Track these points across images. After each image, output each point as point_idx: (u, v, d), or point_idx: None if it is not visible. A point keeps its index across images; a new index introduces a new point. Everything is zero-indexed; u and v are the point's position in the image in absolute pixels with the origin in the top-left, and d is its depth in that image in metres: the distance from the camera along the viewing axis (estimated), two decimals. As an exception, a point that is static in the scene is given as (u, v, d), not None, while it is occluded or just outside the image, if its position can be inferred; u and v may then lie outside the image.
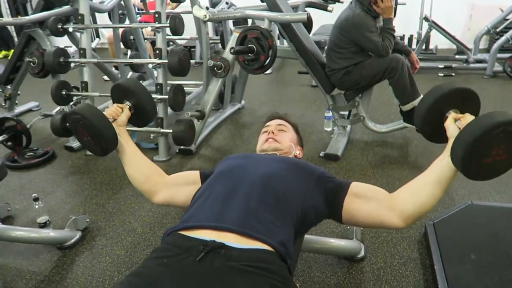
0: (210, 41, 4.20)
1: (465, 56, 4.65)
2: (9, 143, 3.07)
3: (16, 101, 3.94)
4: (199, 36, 3.12)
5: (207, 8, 2.82)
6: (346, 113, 3.03)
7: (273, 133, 1.49)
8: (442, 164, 1.08)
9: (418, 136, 2.96)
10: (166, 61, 2.59)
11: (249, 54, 2.44)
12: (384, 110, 3.52)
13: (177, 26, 2.59)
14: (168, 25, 2.59)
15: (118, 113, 1.40)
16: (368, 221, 1.18)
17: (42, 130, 3.45)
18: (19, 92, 3.85)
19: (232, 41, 2.68)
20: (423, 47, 5.43)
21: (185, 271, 0.85)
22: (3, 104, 3.84)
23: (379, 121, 3.18)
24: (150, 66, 2.69)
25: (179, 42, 6.03)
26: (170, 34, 2.78)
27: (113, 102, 1.47)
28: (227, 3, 3.25)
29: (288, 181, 1.13)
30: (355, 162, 2.71)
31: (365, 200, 1.18)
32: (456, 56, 4.89)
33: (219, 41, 3.54)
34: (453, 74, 4.56)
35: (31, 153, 2.99)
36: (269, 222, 0.99)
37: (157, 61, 2.64)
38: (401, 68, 2.56)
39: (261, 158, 1.28)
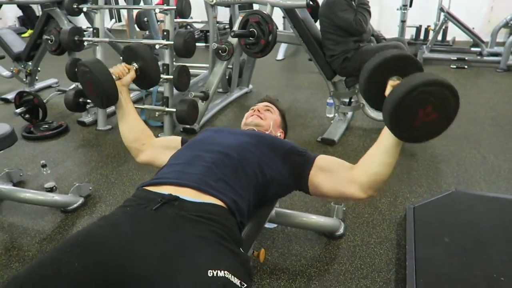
0: (222, 25, 4.29)
1: (479, 49, 4.58)
2: (26, 116, 3.27)
3: (36, 77, 4.14)
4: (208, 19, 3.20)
5: (214, -8, 2.91)
6: (347, 100, 3.08)
7: (258, 111, 1.59)
8: (386, 132, 1.13)
9: (418, 126, 3.00)
10: (172, 42, 2.70)
11: (250, 38, 2.52)
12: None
13: (183, 9, 2.69)
14: (175, 7, 2.69)
15: (124, 73, 1.47)
16: (331, 192, 1.26)
17: (58, 105, 3.63)
18: (39, 68, 4.04)
19: (236, 25, 2.77)
20: (439, 38, 5.37)
21: (142, 217, 0.99)
22: (24, 79, 4.05)
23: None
24: (157, 47, 2.79)
25: (196, 26, 6.18)
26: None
27: (123, 62, 1.55)
28: (236, -13, 3.31)
29: (249, 153, 1.22)
30: (351, 147, 2.77)
31: (328, 173, 1.26)
32: (472, 49, 4.81)
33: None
34: (466, 66, 4.51)
35: (46, 126, 3.18)
36: (224, 183, 1.11)
37: (164, 42, 2.76)
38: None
39: (232, 132, 1.38)
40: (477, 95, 3.69)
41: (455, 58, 4.57)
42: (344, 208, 1.98)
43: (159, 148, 1.47)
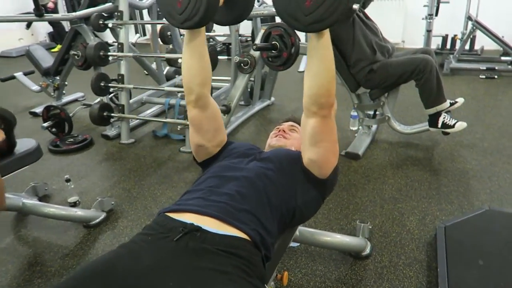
0: (244, 38, 4.30)
1: (510, 58, 4.41)
2: (53, 129, 3.34)
3: (64, 91, 4.24)
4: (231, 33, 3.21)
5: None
6: (372, 112, 3.00)
7: (284, 131, 1.54)
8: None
9: (446, 139, 2.90)
10: (194, 56, 2.70)
11: (272, 51, 2.49)
12: (414, 111, 3.44)
13: (206, 23, 2.69)
14: (197, 22, 2.70)
15: None
16: (314, 149, 1.15)
17: (84, 118, 3.70)
18: (66, 83, 4.15)
19: (258, 38, 2.75)
20: (467, 47, 5.22)
21: (163, 248, 0.94)
22: (52, 93, 4.15)
23: (408, 122, 3.12)
24: (179, 61, 2.80)
25: (219, 39, 6.23)
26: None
27: None
28: (258, 0, 3.31)
29: (273, 183, 1.16)
30: (376, 162, 2.69)
31: (302, 140, 1.20)
32: (502, 58, 4.64)
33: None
34: (496, 76, 4.35)
35: (72, 139, 3.24)
36: (249, 213, 1.05)
37: (186, 56, 2.77)
38: (430, 71, 2.50)
39: (253, 154, 1.32)
40: (508, 106, 3.54)
41: (484, 68, 4.42)
42: (370, 227, 1.91)
43: (213, 123, 1.29)
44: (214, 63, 2.75)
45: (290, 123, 1.59)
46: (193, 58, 1.20)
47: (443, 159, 2.67)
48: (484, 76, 4.38)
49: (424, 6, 4.79)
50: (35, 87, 4.15)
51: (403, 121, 3.11)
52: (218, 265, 0.90)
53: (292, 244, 1.87)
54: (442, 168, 2.55)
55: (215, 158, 1.33)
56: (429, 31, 4.74)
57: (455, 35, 5.43)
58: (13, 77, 4.09)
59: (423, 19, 4.79)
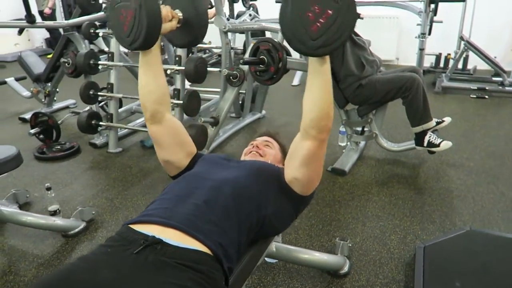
0: (239, 50, 4.32)
1: (501, 79, 4.45)
2: (41, 136, 3.32)
3: (55, 98, 4.23)
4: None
5: (227, 19, 2.93)
6: (360, 129, 3.01)
7: (257, 147, 1.54)
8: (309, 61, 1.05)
9: (433, 158, 2.89)
10: (183, 67, 2.71)
11: (260, 65, 2.51)
12: (403, 129, 3.44)
13: (195, 35, 2.70)
14: (187, 34, 2.71)
15: (167, 19, 1.21)
16: (304, 170, 1.16)
17: (72, 126, 3.66)
18: (57, 90, 4.14)
19: (248, 52, 2.76)
20: (460, 66, 5.27)
21: (122, 261, 0.93)
22: (43, 100, 4.14)
23: (397, 139, 3.13)
24: (168, 72, 2.81)
25: (215, 51, 6.26)
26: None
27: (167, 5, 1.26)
28: (250, 14, 3.34)
29: (243, 190, 1.16)
30: (362, 178, 2.68)
31: (290, 159, 1.20)
32: (493, 78, 4.68)
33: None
34: (487, 96, 4.38)
35: (59, 147, 3.22)
36: (214, 225, 1.04)
37: (175, 67, 2.78)
38: (416, 89, 2.51)
39: (226, 163, 1.33)
40: (497, 127, 3.55)
41: (475, 88, 4.45)
42: (350, 245, 1.89)
43: (175, 138, 1.30)
44: (203, 75, 2.76)
45: (265, 137, 1.59)
46: (146, 76, 1.23)
47: (429, 177, 2.67)
48: (475, 96, 4.41)
49: (417, 25, 4.85)
50: (26, 93, 4.15)
51: (392, 139, 3.12)
52: (175, 279, 0.89)
53: (270, 260, 1.85)
54: (427, 186, 2.54)
55: (187, 170, 1.33)
56: (421, 49, 4.77)
57: (448, 54, 5.49)
58: (4, 82, 4.09)
59: (416, 37, 4.84)
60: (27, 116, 3.90)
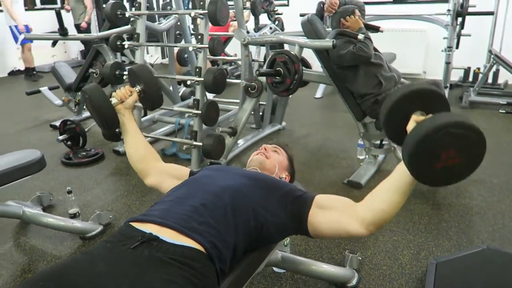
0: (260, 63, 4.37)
1: (532, 94, 4.29)
2: (68, 142, 3.48)
3: (84, 107, 4.42)
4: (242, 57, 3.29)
5: (247, 32, 3.00)
6: (378, 142, 2.97)
7: (265, 149, 1.57)
8: (401, 169, 1.06)
9: (454, 173, 2.81)
10: (202, 78, 2.78)
11: (276, 77, 2.55)
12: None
13: (215, 47, 2.78)
14: (207, 46, 2.79)
15: (126, 96, 1.50)
16: (332, 230, 1.19)
17: (98, 133, 3.82)
18: (87, 98, 4.32)
19: (265, 64, 2.81)
20: (489, 81, 5.12)
21: (119, 256, 0.98)
22: (73, 108, 4.34)
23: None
24: (188, 82, 2.89)
25: (239, 63, 6.36)
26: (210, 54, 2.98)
27: (128, 84, 1.62)
28: (270, 28, 3.40)
29: (243, 196, 1.19)
30: (378, 192, 2.63)
31: (328, 210, 1.20)
32: (525, 93, 4.52)
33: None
34: (517, 111, 4.22)
35: (84, 153, 3.35)
36: (210, 226, 1.08)
37: (195, 78, 2.85)
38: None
39: (231, 172, 1.37)
40: (526, 143, 3.42)
41: (505, 103, 4.30)
42: (360, 258, 1.87)
43: (165, 175, 1.47)
44: (221, 86, 2.82)
45: (274, 145, 1.62)
46: (126, 144, 1.54)
47: (448, 193, 2.59)
48: (504, 111, 4.26)
49: (444, 38, 4.77)
50: (58, 102, 4.35)
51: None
52: (167, 275, 0.93)
53: (278, 270, 1.85)
54: (446, 202, 2.47)
55: None
56: (448, 63, 4.70)
57: (478, 68, 5.34)
58: (38, 91, 4.31)
59: (442, 51, 4.76)
60: (57, 123, 4.09)
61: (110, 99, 1.49)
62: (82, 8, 7.19)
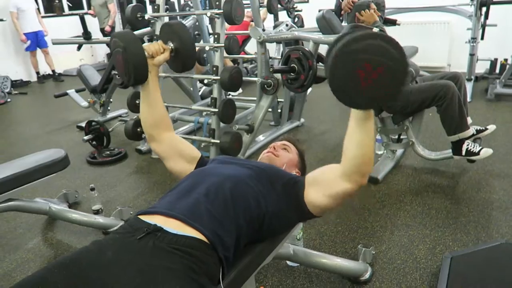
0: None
1: (562, 84, 4.12)
2: (93, 142, 3.61)
3: (109, 108, 4.57)
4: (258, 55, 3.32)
5: (263, 30, 3.03)
6: (396, 136, 2.94)
7: (274, 148, 1.60)
8: (351, 110, 1.07)
9: (476, 167, 2.76)
10: (219, 77, 2.84)
11: (291, 74, 2.56)
12: (445, 137, 3.30)
13: (231, 46, 2.82)
14: (223, 45, 2.84)
15: (158, 52, 1.38)
16: (327, 200, 1.20)
17: (122, 133, 3.93)
18: (111, 100, 4.47)
19: (281, 61, 2.83)
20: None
21: (125, 246, 1.05)
22: (98, 109, 4.49)
23: (439, 148, 3.01)
24: (206, 81, 2.95)
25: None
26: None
27: (160, 39, 1.46)
28: (287, 25, 3.41)
29: (245, 185, 1.23)
30: (396, 187, 2.62)
31: (318, 184, 1.22)
32: (555, 84, 4.34)
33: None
34: (546, 103, 4.07)
35: (108, 152, 3.48)
36: (211, 215, 1.12)
37: (212, 77, 2.91)
38: (451, 97, 2.42)
39: (236, 162, 1.41)
40: (555, 136, 3.29)
41: (533, 94, 4.15)
42: (374, 252, 1.87)
43: (174, 150, 1.44)
44: (237, 84, 2.87)
45: (283, 141, 1.64)
46: (143, 104, 1.43)
47: (468, 187, 2.54)
48: (531, 103, 4.12)
49: (468, 29, 4.64)
50: (84, 103, 4.52)
51: (433, 147, 3.02)
52: (169, 262, 0.99)
53: (292, 264, 1.88)
54: (465, 197, 2.43)
55: None
56: (472, 55, 4.57)
57: (505, 60, 5.16)
58: (66, 94, 4.50)
59: (466, 42, 4.64)
60: (83, 124, 4.25)
61: None
62: (106, 12, 7.42)
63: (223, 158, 1.51)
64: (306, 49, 2.52)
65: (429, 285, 1.73)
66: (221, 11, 2.77)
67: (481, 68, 5.22)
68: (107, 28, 7.33)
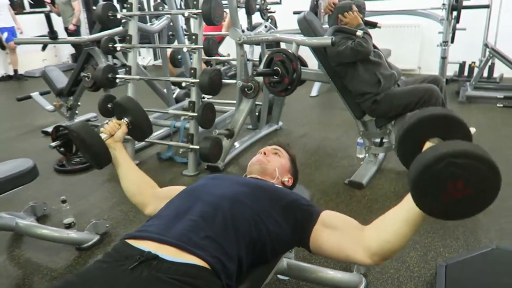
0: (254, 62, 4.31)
1: (529, 87, 4.27)
2: (61, 149, 3.38)
3: (77, 111, 4.33)
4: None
5: (243, 31, 2.93)
6: (378, 140, 2.92)
7: (264, 153, 1.51)
8: (409, 199, 0.99)
9: (456, 170, 2.77)
10: (198, 80, 2.72)
11: (274, 77, 2.48)
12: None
13: (210, 47, 2.71)
14: (202, 46, 2.72)
15: (115, 129, 1.50)
16: (334, 253, 1.14)
17: (92, 139, 3.74)
18: (79, 103, 4.24)
19: (262, 63, 2.75)
20: (485, 75, 5.09)
21: (116, 277, 0.91)
22: (65, 113, 4.24)
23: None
24: (183, 84, 2.82)
25: (233, 63, 6.29)
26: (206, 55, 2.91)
27: (116, 118, 1.60)
28: (266, 26, 3.34)
29: (243, 206, 1.13)
30: (381, 192, 2.59)
31: (333, 231, 1.14)
32: (521, 86, 4.50)
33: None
34: (514, 105, 4.20)
35: (78, 159, 3.27)
36: (211, 240, 1.01)
37: (190, 80, 2.78)
38: (435, 102, 2.42)
39: (229, 180, 1.30)
40: (527, 137, 3.39)
41: (502, 96, 4.28)
42: (367, 262, 1.81)
43: (164, 200, 1.36)
44: (217, 87, 2.76)
45: (274, 146, 1.56)
46: (121, 178, 1.51)
47: (452, 191, 2.55)
48: (501, 105, 4.23)
49: (439, 33, 4.74)
50: (49, 107, 4.25)
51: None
52: None
53: (282, 277, 1.79)
54: (450, 200, 2.43)
55: None
56: (444, 58, 4.66)
57: (473, 63, 5.32)
58: (29, 97, 4.22)
59: (438, 46, 4.73)
60: (50, 129, 3.99)
61: (99, 134, 1.48)
62: (70, 10, 7.08)
63: (212, 175, 1.42)
64: (290, 51, 2.45)
65: (425, 294, 1.69)
66: (200, 11, 2.65)
67: (450, 71, 5.35)
68: (71, 27, 7.00)
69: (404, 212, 1.01)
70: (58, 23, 6.96)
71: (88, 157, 1.50)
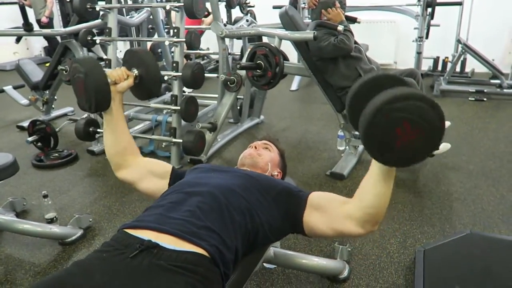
0: (237, 56, 4.33)
1: (499, 81, 4.45)
2: (38, 144, 3.31)
3: (53, 106, 4.23)
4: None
5: (224, 25, 2.94)
6: (358, 132, 2.99)
7: (256, 148, 1.54)
8: (375, 162, 1.06)
9: (432, 161, 2.88)
10: (180, 73, 2.71)
11: (257, 70, 2.51)
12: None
13: (192, 41, 2.71)
14: (184, 40, 2.72)
15: (121, 78, 1.34)
16: (328, 231, 1.18)
17: (70, 133, 3.65)
18: (55, 97, 4.14)
19: (245, 57, 2.76)
20: (458, 69, 5.27)
21: (117, 266, 0.92)
22: (41, 108, 4.14)
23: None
24: (166, 78, 2.81)
25: (213, 57, 6.27)
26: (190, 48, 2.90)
27: (124, 65, 1.43)
28: (247, 20, 3.35)
29: (237, 196, 1.16)
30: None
31: (322, 211, 1.18)
32: (491, 81, 4.68)
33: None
34: (485, 99, 4.37)
35: (56, 154, 3.21)
36: (209, 229, 1.03)
37: (172, 73, 2.77)
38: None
39: (223, 172, 1.33)
40: (496, 129, 3.54)
41: (474, 90, 4.45)
42: (350, 249, 1.87)
43: (143, 170, 1.36)
44: (200, 81, 2.76)
45: (264, 141, 1.59)
46: (107, 132, 1.36)
47: (428, 180, 2.65)
48: (473, 99, 4.40)
49: (415, 28, 4.87)
50: (24, 101, 4.14)
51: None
52: (171, 283, 0.88)
53: (268, 266, 1.83)
54: (427, 190, 2.53)
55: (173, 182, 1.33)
56: (419, 53, 4.80)
57: (446, 58, 5.50)
58: (2, 91, 4.09)
59: (413, 41, 4.86)
60: (25, 124, 3.89)
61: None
62: (42, 2, 6.85)
63: (206, 166, 1.43)
64: (273, 45, 2.48)
65: (405, 278, 1.76)
66: (182, 4, 2.64)
67: (425, 65, 5.51)
68: (44, 19, 6.77)
69: (374, 175, 1.07)
70: (29, 15, 6.75)
71: (84, 97, 1.28)
